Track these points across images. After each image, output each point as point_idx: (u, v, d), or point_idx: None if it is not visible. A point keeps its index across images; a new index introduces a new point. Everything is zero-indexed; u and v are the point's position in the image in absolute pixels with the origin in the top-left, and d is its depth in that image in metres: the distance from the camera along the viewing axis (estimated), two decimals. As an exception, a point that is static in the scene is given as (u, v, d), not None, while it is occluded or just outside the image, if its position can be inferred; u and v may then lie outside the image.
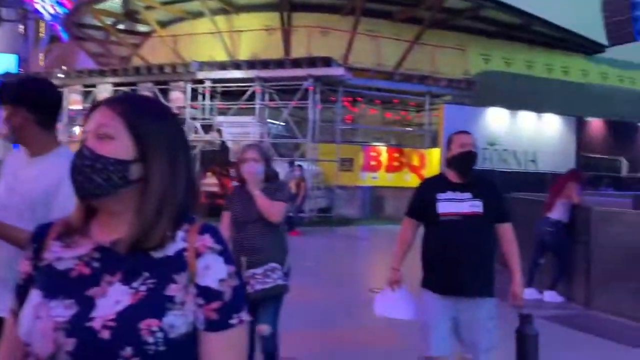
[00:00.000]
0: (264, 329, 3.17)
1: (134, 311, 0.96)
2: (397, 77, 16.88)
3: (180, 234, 1.05)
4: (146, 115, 1.07)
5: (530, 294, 6.44)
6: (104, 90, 16.95)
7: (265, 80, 15.23)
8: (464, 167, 3.03)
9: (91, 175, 1.00)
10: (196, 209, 1.12)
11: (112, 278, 1.00)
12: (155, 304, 0.98)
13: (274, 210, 3.24)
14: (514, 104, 17.33)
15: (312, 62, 15.03)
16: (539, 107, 17.60)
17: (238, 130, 15.55)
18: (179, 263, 1.02)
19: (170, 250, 1.03)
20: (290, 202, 12.55)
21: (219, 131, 15.73)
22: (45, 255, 1.06)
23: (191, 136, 15.83)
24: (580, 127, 18.01)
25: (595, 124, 18.76)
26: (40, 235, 1.09)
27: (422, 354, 2.96)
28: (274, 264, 3.21)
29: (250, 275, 3.15)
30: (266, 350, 3.25)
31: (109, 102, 1.07)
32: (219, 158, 14.74)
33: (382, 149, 17.15)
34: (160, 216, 1.02)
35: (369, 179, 16.73)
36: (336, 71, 15.01)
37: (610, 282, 5.94)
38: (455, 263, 2.89)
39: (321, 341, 4.85)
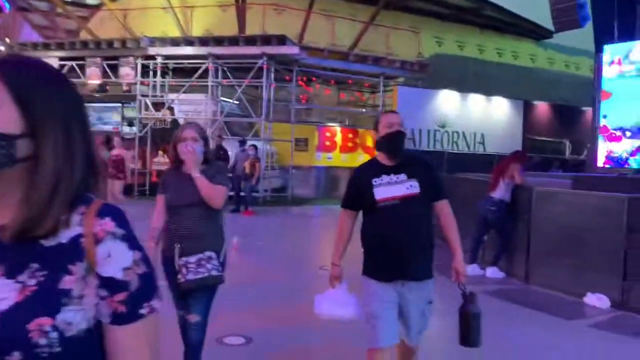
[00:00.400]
0: (192, 317, 3.03)
1: (21, 309, 0.83)
2: (352, 57, 16.90)
3: (75, 217, 0.91)
4: (35, 81, 0.91)
5: (473, 270, 6.70)
6: (51, 64, 16.30)
7: (218, 57, 14.98)
8: (393, 148, 2.93)
9: None
10: (96, 189, 0.97)
11: None
12: (48, 299, 0.85)
13: (216, 194, 3.04)
14: (464, 87, 17.71)
15: (266, 40, 14.88)
16: (488, 91, 18.05)
17: (190, 108, 15.31)
18: (74, 251, 0.89)
19: (64, 237, 0.90)
20: (245, 182, 12.56)
21: (170, 109, 15.44)
22: None
23: (142, 113, 15.49)
24: (527, 111, 18.59)
25: (541, 108, 19.40)
26: None
27: (369, 346, 2.80)
28: (209, 253, 3.01)
29: (183, 264, 2.98)
30: (191, 340, 3.06)
31: None
32: (170, 136, 14.49)
33: (337, 130, 17.25)
34: (53, 199, 0.89)
35: (323, 159, 16.83)
36: (291, 50, 14.92)
37: (548, 259, 6.24)
38: (396, 248, 2.80)
39: (272, 319, 4.91)
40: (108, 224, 0.92)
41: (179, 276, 2.97)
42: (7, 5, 24.64)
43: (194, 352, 3.08)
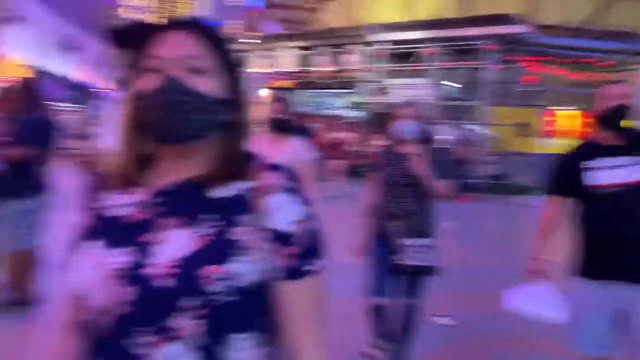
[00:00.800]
0: (410, 301, 3.11)
1: (197, 257, 0.87)
2: (589, 34, 15.26)
3: None
4: (231, 49, 0.97)
5: None
6: (286, 54, 18.13)
7: (440, 40, 14.91)
8: (616, 124, 2.47)
9: (192, 115, 0.89)
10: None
11: (173, 222, 0.91)
12: (219, 249, 0.89)
13: (440, 188, 3.04)
14: None
15: (491, 19, 14.32)
16: None
17: (410, 92, 15.58)
18: (243, 203, 0.92)
19: (233, 189, 0.94)
20: (460, 167, 12.39)
21: (391, 94, 15.92)
22: (101, 204, 0.97)
23: (365, 99, 16.28)
24: None
25: None
26: (94, 185, 1.01)
27: (576, 350, 2.56)
28: (429, 240, 3.05)
29: (404, 245, 3.00)
30: (404, 319, 3.15)
31: (192, 28, 0.94)
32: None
33: (568, 113, 15.81)
34: (244, 157, 0.97)
35: (550, 146, 15.61)
36: (518, 29, 14.12)
37: None
38: (619, 244, 2.39)
39: (481, 304, 4.89)
40: (277, 176, 0.95)
41: (398, 256, 3.02)
42: (261, 3, 28.09)
43: (406, 336, 3.19)
